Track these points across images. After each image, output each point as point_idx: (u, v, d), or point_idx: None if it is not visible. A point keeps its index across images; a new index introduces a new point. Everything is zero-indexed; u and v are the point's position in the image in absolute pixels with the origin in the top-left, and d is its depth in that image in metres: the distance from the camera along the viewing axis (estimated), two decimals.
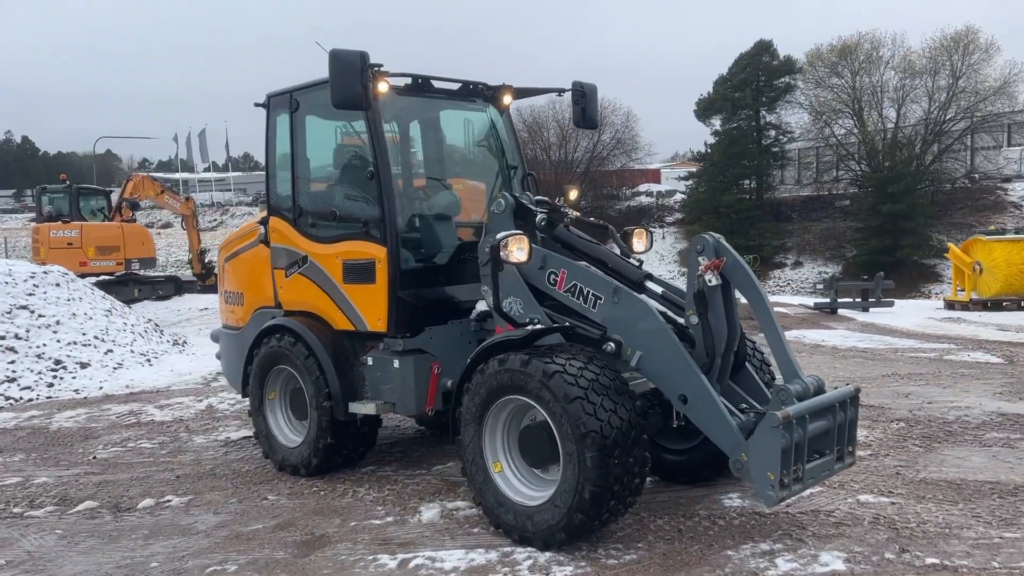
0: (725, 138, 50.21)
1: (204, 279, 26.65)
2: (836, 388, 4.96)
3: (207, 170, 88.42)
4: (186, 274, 28.11)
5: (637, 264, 5.59)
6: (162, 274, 27.73)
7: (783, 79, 50.92)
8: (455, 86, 6.61)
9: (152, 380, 10.82)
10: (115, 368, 11.12)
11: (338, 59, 5.43)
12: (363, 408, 6.16)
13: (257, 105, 6.93)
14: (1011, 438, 6.86)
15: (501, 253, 5.36)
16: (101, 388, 10.42)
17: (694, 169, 54.16)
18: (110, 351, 11.50)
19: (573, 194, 7.42)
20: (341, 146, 6.63)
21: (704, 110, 51.62)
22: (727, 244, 5.07)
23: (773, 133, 51.45)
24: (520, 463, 5.22)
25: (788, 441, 4.48)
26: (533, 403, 4.90)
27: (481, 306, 6.33)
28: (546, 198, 6.15)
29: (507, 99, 6.89)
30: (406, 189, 6.48)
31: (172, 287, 24.27)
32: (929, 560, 4.54)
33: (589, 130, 7.47)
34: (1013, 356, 10.61)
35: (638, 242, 6.19)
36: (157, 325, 13.66)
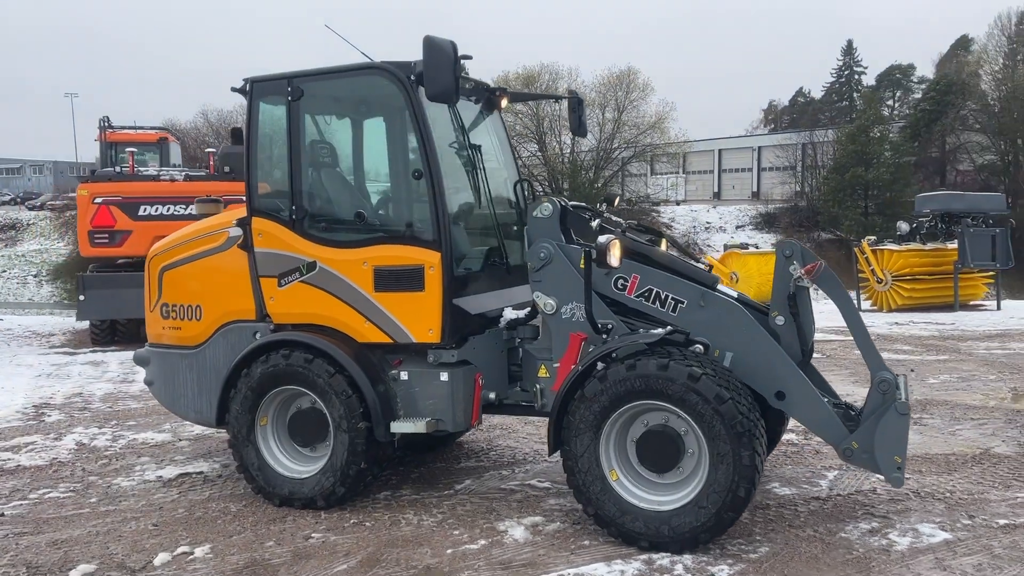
0: None
1: None
2: None
3: None
4: None
5: (706, 268, 5.78)
6: None
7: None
8: (469, 84, 6.33)
9: None
10: None
11: (435, 47, 5.01)
12: (410, 427, 5.65)
13: (234, 90, 6.07)
14: (912, 417, 8.03)
15: (607, 258, 5.26)
16: None
17: None
18: None
19: (616, 201, 7.35)
20: (364, 141, 6.03)
21: None
22: (808, 249, 5.48)
23: None
24: (630, 469, 5.16)
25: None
26: (673, 407, 4.89)
27: (509, 313, 6.14)
28: (583, 204, 6.13)
29: (503, 102, 6.72)
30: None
31: None
32: (1001, 521, 5.28)
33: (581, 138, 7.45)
34: (819, 349, 12.32)
35: None
36: None
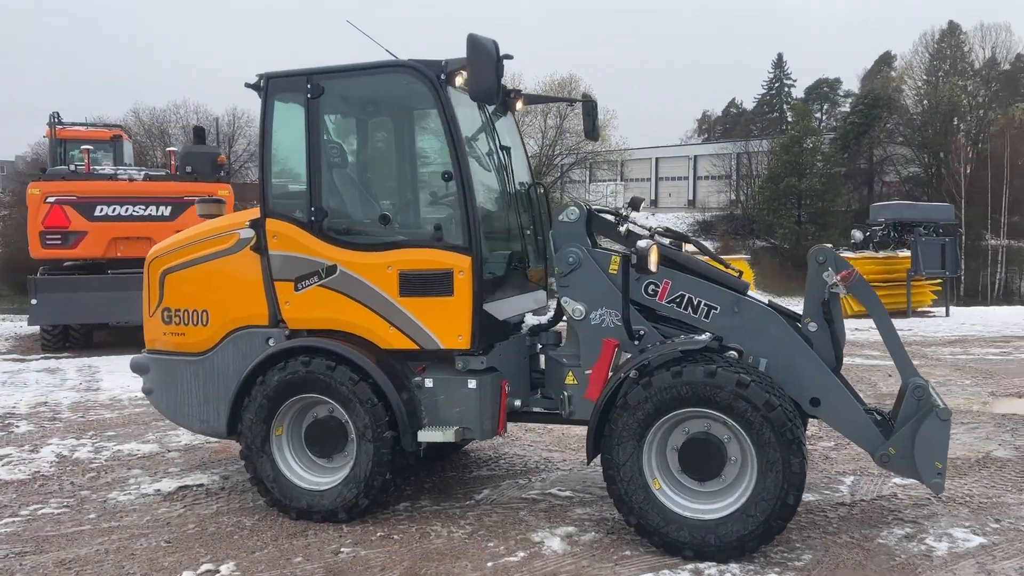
0: None
1: None
2: None
3: None
4: None
5: (737, 274, 5.74)
6: None
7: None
8: None
9: None
10: None
11: (479, 46, 4.87)
12: (438, 435, 5.47)
13: (248, 86, 5.82)
14: None
15: (647, 263, 5.18)
16: None
17: None
18: None
19: (642, 206, 7.31)
20: (388, 140, 5.84)
21: None
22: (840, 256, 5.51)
23: None
24: (671, 478, 5.08)
25: None
26: (720, 415, 4.84)
27: (531, 319, 6.04)
28: (608, 208, 6.05)
29: (518, 104, 6.60)
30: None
31: None
32: None
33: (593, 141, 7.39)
34: None
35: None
36: None
